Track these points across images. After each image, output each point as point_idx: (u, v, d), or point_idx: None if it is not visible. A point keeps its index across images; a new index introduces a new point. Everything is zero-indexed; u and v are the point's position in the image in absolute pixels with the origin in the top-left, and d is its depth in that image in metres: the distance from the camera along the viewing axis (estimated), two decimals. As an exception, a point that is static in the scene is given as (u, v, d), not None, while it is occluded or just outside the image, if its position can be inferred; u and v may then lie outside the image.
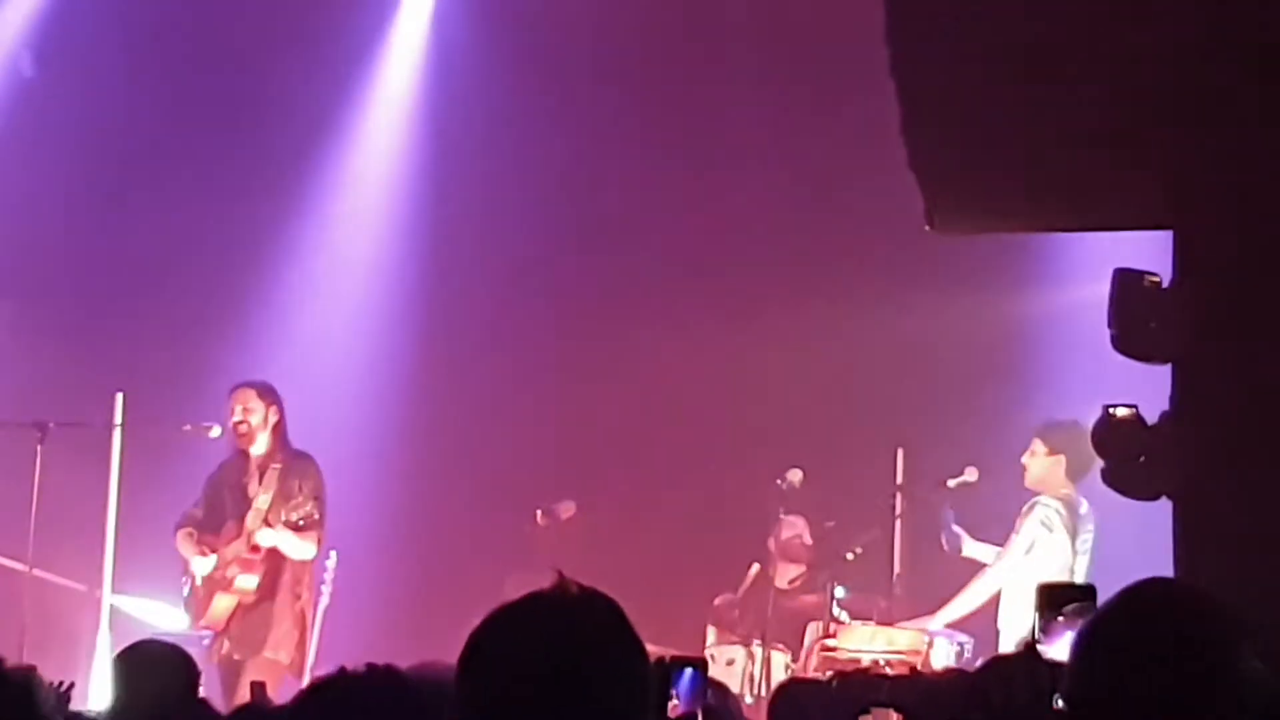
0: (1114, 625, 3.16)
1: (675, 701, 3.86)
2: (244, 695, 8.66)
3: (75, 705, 5.91)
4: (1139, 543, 9.79)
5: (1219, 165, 7.48)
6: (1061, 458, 10.35)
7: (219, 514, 10.78)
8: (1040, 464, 10.44)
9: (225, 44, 13.20)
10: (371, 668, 3.76)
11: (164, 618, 11.10)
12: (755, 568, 11.53)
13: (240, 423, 10.72)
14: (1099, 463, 9.58)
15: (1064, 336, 12.13)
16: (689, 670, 3.83)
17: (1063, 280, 12.21)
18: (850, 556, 10.98)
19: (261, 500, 10.61)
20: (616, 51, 13.23)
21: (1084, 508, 10.42)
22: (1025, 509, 10.45)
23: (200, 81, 13.16)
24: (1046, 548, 10.31)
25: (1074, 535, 10.36)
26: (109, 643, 10.68)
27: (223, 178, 13.03)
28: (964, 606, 10.62)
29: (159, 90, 13.01)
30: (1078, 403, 9.78)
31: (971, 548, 10.88)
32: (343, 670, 3.77)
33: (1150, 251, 8.41)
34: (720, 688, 6.51)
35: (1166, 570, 7.11)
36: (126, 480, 11.28)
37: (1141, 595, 3.21)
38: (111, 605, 11.20)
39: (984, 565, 10.71)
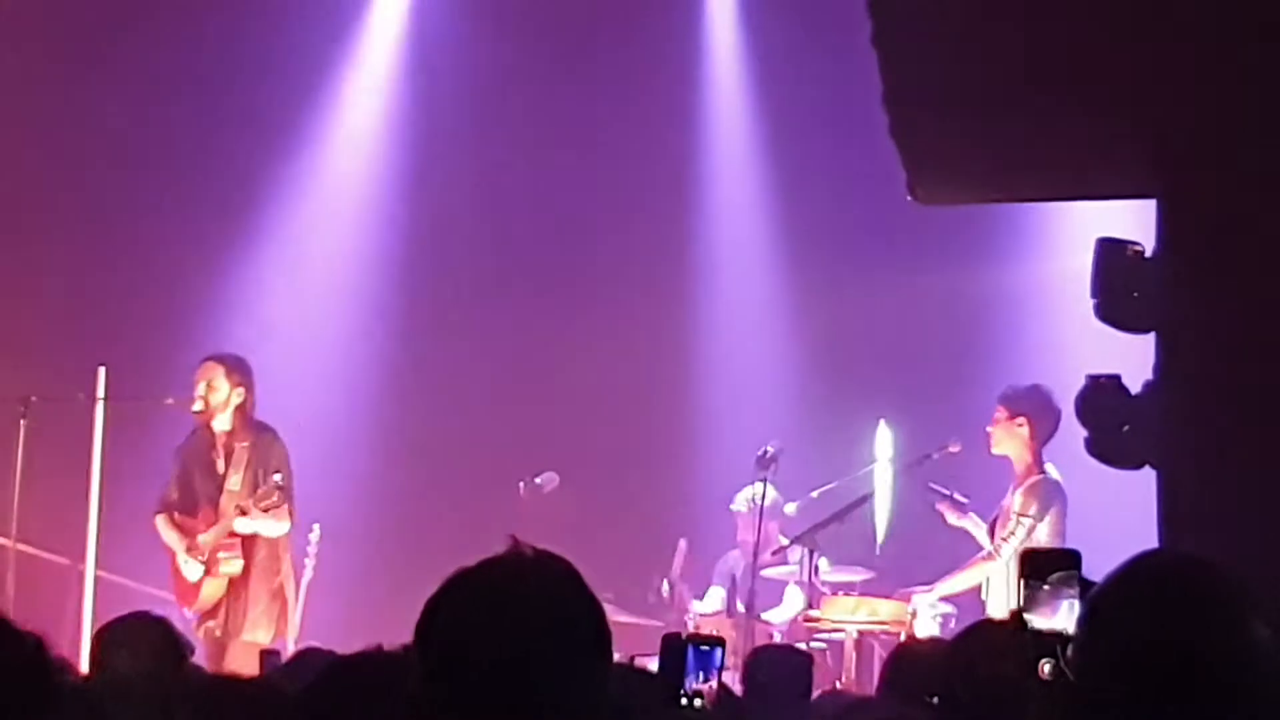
0: (1121, 599, 3.10)
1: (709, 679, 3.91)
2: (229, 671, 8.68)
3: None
4: (1098, 511, 9.86)
5: (1203, 132, 7.47)
6: (1024, 419, 10.33)
7: (191, 493, 10.77)
8: (1003, 430, 10.42)
9: (203, 21, 13.15)
10: (407, 648, 3.72)
11: None
12: (683, 543, 11.46)
13: (202, 398, 10.68)
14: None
15: (1048, 307, 12.13)
16: (706, 648, 3.88)
17: (1047, 250, 12.22)
18: (833, 527, 10.95)
19: (233, 482, 10.58)
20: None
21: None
22: (1026, 488, 10.35)
23: (179, 56, 13.09)
24: (1049, 524, 10.26)
25: (1065, 509, 10.34)
26: (93, 617, 10.66)
27: (204, 153, 13.01)
28: (964, 582, 10.58)
29: (137, 66, 12.94)
30: (1061, 373, 9.78)
31: (969, 518, 10.78)
32: (379, 648, 3.73)
33: (1133, 222, 8.41)
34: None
35: (1133, 537, 7.10)
36: (109, 453, 11.25)
37: (1148, 567, 3.14)
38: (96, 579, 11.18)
39: (970, 535, 10.69)
